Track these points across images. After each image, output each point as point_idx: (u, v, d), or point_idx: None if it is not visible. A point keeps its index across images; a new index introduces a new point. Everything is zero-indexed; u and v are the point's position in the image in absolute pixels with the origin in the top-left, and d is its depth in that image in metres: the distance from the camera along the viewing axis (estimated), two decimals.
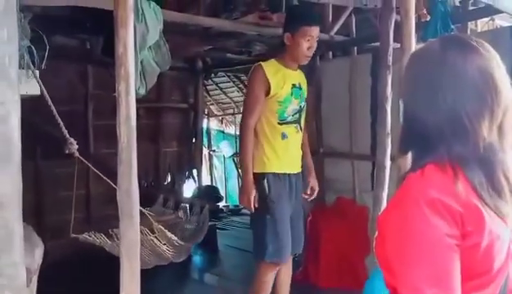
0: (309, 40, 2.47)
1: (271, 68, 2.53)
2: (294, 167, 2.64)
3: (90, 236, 2.79)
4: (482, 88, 0.90)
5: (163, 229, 2.93)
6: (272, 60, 2.59)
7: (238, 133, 2.59)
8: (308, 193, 2.75)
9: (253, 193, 2.47)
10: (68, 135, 1.89)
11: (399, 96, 1.05)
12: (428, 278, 0.85)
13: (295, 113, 2.59)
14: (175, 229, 3.73)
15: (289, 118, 2.57)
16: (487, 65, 0.91)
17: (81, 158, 1.98)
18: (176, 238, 3.07)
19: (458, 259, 0.87)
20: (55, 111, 1.73)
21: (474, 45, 0.93)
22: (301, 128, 2.66)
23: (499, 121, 0.91)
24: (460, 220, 0.86)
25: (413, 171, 0.93)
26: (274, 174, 2.54)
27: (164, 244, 2.98)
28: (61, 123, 1.79)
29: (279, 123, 2.55)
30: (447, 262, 0.86)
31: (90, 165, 2.11)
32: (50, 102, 1.62)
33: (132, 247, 1.25)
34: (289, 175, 2.59)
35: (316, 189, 2.77)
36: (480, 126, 0.89)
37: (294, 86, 2.57)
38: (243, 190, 2.50)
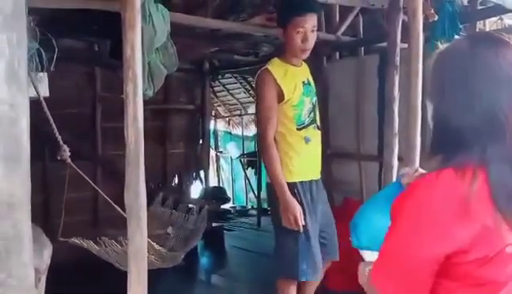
0: (301, 31, 2.23)
1: (279, 70, 2.32)
2: (317, 171, 2.49)
3: (78, 240, 2.82)
4: None
5: (150, 242, 2.94)
6: (276, 59, 2.39)
7: (258, 148, 2.45)
8: None
9: (298, 209, 2.24)
10: (61, 142, 1.90)
11: (428, 97, 1.02)
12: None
13: (310, 113, 2.41)
14: (167, 238, 3.74)
15: (307, 120, 2.39)
16: None
17: (72, 164, 2.00)
18: (165, 250, 3.09)
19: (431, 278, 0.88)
20: (49, 116, 1.74)
21: (504, 39, 0.91)
22: (318, 126, 2.46)
23: None
24: (464, 235, 0.84)
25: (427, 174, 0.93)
26: (301, 183, 2.36)
27: (152, 255, 2.99)
28: (55, 128, 1.79)
29: (298, 129, 2.36)
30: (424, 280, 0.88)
31: (80, 171, 2.14)
32: (45, 108, 1.63)
33: (140, 249, 1.26)
34: (314, 180, 2.43)
35: None
36: None
37: (303, 83, 2.39)
38: (285, 209, 2.23)
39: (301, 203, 2.28)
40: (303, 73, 2.41)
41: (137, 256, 1.26)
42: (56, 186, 4.54)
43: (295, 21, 2.21)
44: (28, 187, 1.03)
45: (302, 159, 2.34)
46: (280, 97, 2.28)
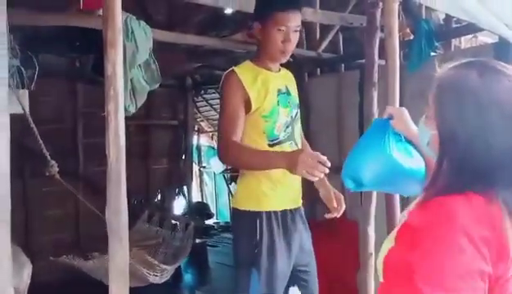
0: (283, 30, 1.84)
1: (247, 73, 1.90)
2: (296, 200, 2.01)
3: (68, 259, 2.77)
4: None
5: (142, 253, 2.93)
6: (247, 62, 1.98)
7: (220, 157, 1.89)
8: (335, 205, 1.99)
9: (306, 151, 1.78)
10: (49, 157, 1.88)
11: (429, 125, 1.01)
12: None
13: (287, 127, 1.95)
14: (157, 250, 3.72)
15: (282, 136, 1.93)
16: None
17: (61, 180, 1.96)
18: (156, 262, 3.05)
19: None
20: (36, 132, 1.73)
21: (510, 73, 0.93)
22: (297, 145, 1.99)
23: None
24: (497, 256, 0.87)
25: (448, 194, 0.91)
26: (270, 213, 1.90)
27: (144, 267, 2.96)
28: (42, 144, 1.78)
29: (270, 145, 1.90)
30: None
31: (71, 187, 2.09)
32: (32, 123, 1.62)
33: (122, 267, 1.25)
34: (290, 210, 1.96)
35: (341, 197, 2.02)
36: None
37: (279, 92, 1.94)
38: (294, 161, 1.60)
39: (260, 238, 1.86)
40: (281, 79, 2.00)
41: (119, 274, 1.25)
42: (37, 203, 4.49)
43: (277, 17, 1.83)
44: (7, 205, 1.03)
45: (273, 184, 1.90)
46: (248, 105, 1.87)
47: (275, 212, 1.90)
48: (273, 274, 1.87)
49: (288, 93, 1.98)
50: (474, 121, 0.91)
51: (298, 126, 2.03)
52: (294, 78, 2.11)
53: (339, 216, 1.99)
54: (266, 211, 1.89)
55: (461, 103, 0.92)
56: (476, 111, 0.90)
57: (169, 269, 3.26)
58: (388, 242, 1.04)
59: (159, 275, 3.16)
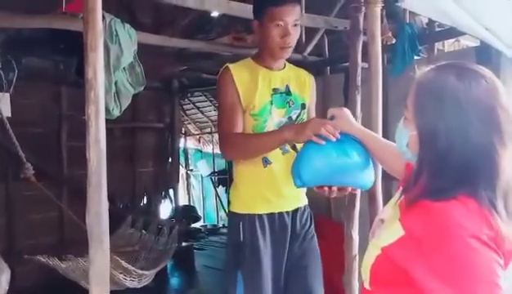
0: (281, 25, 1.79)
1: (242, 71, 1.87)
2: (288, 203, 1.93)
3: (44, 258, 2.74)
4: (502, 118, 0.92)
5: (118, 259, 2.90)
6: (247, 59, 1.96)
7: (222, 152, 1.90)
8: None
9: (313, 118, 1.78)
10: (25, 159, 1.87)
11: (407, 127, 1.03)
12: None
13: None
14: (138, 255, 3.69)
15: None
16: (501, 94, 0.94)
17: (37, 183, 1.95)
18: (133, 268, 3.03)
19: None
20: (12, 133, 1.71)
21: (486, 74, 0.95)
22: (294, 146, 1.89)
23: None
24: (502, 250, 0.89)
25: (437, 199, 0.92)
26: (254, 216, 1.87)
27: (121, 273, 2.94)
28: (18, 146, 1.76)
29: None
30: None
31: (46, 190, 2.07)
32: (8, 125, 1.60)
33: (102, 271, 1.24)
34: (279, 214, 1.90)
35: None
36: (505, 156, 0.92)
37: (275, 91, 1.89)
38: (303, 125, 1.62)
39: (243, 240, 1.84)
40: (282, 78, 1.93)
41: (99, 278, 1.24)
42: (20, 207, 4.43)
43: (273, 12, 1.78)
44: None
45: (257, 186, 1.87)
46: (240, 102, 1.85)
47: (259, 216, 1.87)
48: (258, 277, 1.84)
49: (287, 93, 1.92)
50: (453, 120, 0.93)
51: None
52: (307, 77, 2.03)
53: None
54: (249, 214, 1.87)
55: (440, 102, 0.94)
56: (455, 110, 0.92)
57: (148, 274, 3.25)
58: (374, 249, 1.02)
59: (137, 280, 3.14)
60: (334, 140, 1.49)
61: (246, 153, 1.87)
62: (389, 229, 1.01)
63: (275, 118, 1.88)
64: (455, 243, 0.87)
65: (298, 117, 1.95)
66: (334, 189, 1.56)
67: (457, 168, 0.93)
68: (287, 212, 1.92)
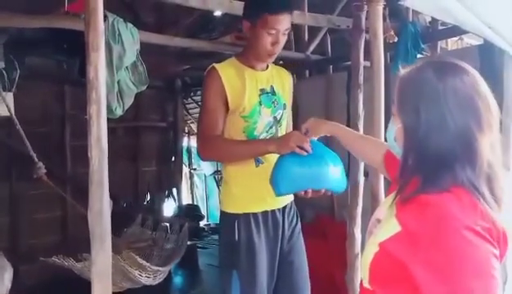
0: (273, 33, 1.80)
1: (229, 71, 1.86)
2: (280, 201, 1.93)
3: (59, 259, 2.75)
4: (481, 106, 0.95)
5: (133, 255, 2.91)
6: (232, 58, 1.95)
7: (200, 154, 1.90)
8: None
9: (293, 132, 1.79)
10: (36, 159, 1.87)
11: (396, 119, 1.06)
12: None
13: (270, 127, 1.93)
14: (151, 252, 3.70)
15: (263, 136, 1.92)
16: (480, 84, 0.98)
17: (49, 182, 1.96)
18: (148, 264, 3.03)
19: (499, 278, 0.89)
20: (23, 134, 1.72)
21: (464, 67, 0.99)
22: None
23: (493, 136, 0.96)
24: (496, 241, 0.90)
25: (433, 193, 0.93)
26: (249, 215, 1.88)
27: (136, 269, 2.95)
28: (29, 146, 1.77)
29: None
30: (495, 284, 0.88)
31: (58, 188, 2.08)
32: (18, 125, 1.61)
33: (104, 270, 1.24)
34: (272, 211, 1.92)
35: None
36: (483, 142, 0.94)
37: (262, 91, 1.90)
38: (285, 138, 1.70)
39: (239, 238, 1.85)
40: (267, 79, 1.94)
41: (101, 276, 1.25)
42: (24, 206, 4.45)
43: (268, 20, 1.78)
44: None
45: (249, 186, 1.88)
46: (227, 104, 1.85)
47: (254, 214, 1.89)
48: (254, 276, 1.85)
49: (273, 93, 1.93)
50: (432, 108, 0.96)
51: (283, 128, 1.98)
52: (286, 76, 2.05)
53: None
54: (244, 213, 1.88)
55: (419, 93, 0.98)
56: (433, 99, 0.96)
57: (162, 271, 3.25)
58: (372, 247, 1.03)
59: (152, 277, 3.14)
60: (310, 151, 1.65)
61: (224, 158, 1.95)
62: (386, 226, 1.02)
63: (264, 119, 1.89)
64: (450, 236, 0.88)
65: (281, 117, 1.96)
66: (309, 191, 1.69)
67: (439, 155, 0.95)
68: (278, 210, 1.95)
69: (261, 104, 1.88)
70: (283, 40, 1.85)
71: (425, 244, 0.90)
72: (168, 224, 4.18)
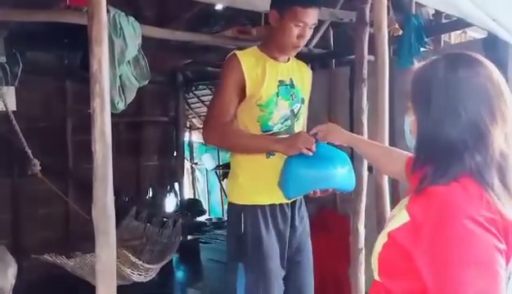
0: (301, 26, 1.80)
1: (250, 59, 1.86)
2: None
3: (51, 257, 2.75)
4: (494, 96, 0.96)
5: (127, 253, 2.90)
6: (254, 47, 1.95)
7: (206, 139, 1.90)
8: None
9: (301, 132, 1.81)
10: (31, 156, 1.86)
11: (406, 113, 1.09)
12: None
13: (286, 120, 1.90)
14: (143, 249, 3.70)
15: (277, 128, 1.89)
16: (494, 75, 0.98)
17: (44, 178, 1.95)
18: (140, 262, 3.03)
19: (504, 275, 0.88)
20: (18, 129, 1.71)
21: (479, 58, 1.00)
22: None
23: (507, 127, 0.97)
24: (503, 233, 0.90)
25: (442, 183, 0.94)
26: (257, 207, 1.85)
27: (129, 267, 2.95)
28: (24, 142, 1.76)
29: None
30: (498, 279, 0.87)
31: (53, 186, 2.07)
32: (14, 120, 1.60)
33: (108, 266, 1.24)
34: (280, 205, 1.90)
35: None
36: (495, 132, 0.94)
37: (281, 83, 1.89)
38: (293, 139, 1.75)
39: (245, 230, 1.83)
40: (287, 71, 1.93)
41: (105, 273, 1.24)
42: (26, 202, 4.45)
43: (298, 13, 1.78)
44: None
45: (258, 177, 1.86)
46: (244, 91, 1.83)
47: (261, 206, 1.86)
48: (261, 269, 1.83)
49: (292, 85, 1.93)
50: (444, 97, 0.97)
51: (300, 122, 1.98)
52: (306, 71, 2.06)
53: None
54: (251, 205, 1.86)
55: (432, 83, 0.99)
56: (445, 88, 0.97)
57: (154, 268, 3.26)
58: (382, 238, 1.04)
59: (144, 274, 3.15)
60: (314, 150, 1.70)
61: (230, 147, 1.95)
62: (397, 217, 1.03)
63: (281, 110, 1.88)
64: (451, 224, 0.88)
65: (298, 111, 1.96)
66: (318, 191, 1.75)
67: (450, 146, 0.96)
68: (287, 204, 1.92)
69: (278, 96, 1.88)
70: (309, 34, 1.86)
71: (427, 232, 0.91)
72: (163, 219, 4.17)
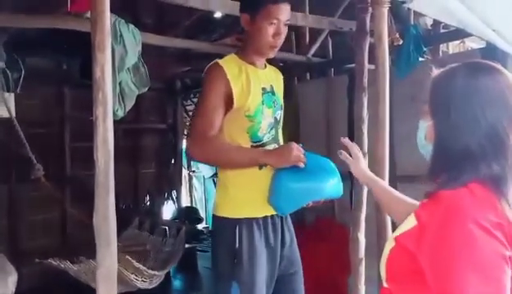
0: (275, 23, 1.74)
1: (233, 67, 1.76)
2: None
3: (55, 261, 2.73)
4: None
5: (130, 259, 2.88)
6: (232, 54, 1.84)
7: (192, 154, 1.78)
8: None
9: (292, 144, 1.71)
10: (35, 161, 1.86)
11: (422, 119, 1.08)
12: None
13: (271, 129, 1.83)
14: (147, 256, 3.68)
15: (266, 138, 1.81)
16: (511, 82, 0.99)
17: (46, 183, 1.94)
18: (144, 268, 2.99)
19: (508, 281, 0.88)
20: (22, 135, 1.70)
21: (498, 67, 1.01)
22: None
23: None
24: (510, 239, 0.89)
25: (450, 188, 0.94)
26: (252, 220, 1.76)
27: (132, 273, 2.92)
28: (28, 148, 1.75)
29: (252, 146, 1.78)
30: (500, 285, 0.87)
31: (55, 191, 2.06)
32: (17, 126, 1.59)
33: (109, 274, 1.23)
34: (271, 217, 1.81)
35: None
36: None
37: (264, 90, 1.81)
38: (286, 152, 1.68)
39: (240, 247, 1.72)
40: (266, 77, 1.86)
41: (107, 280, 1.23)
42: (24, 208, 4.42)
43: (270, 10, 1.72)
44: None
45: (253, 188, 1.76)
46: (230, 101, 1.73)
47: (256, 219, 1.76)
48: (255, 286, 1.73)
49: (272, 92, 1.85)
50: (463, 103, 0.97)
51: (280, 130, 1.91)
52: (281, 77, 1.98)
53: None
54: (246, 218, 1.75)
55: (450, 90, 1.00)
56: (464, 94, 0.98)
57: (159, 275, 3.23)
58: (390, 243, 1.05)
59: (148, 281, 3.12)
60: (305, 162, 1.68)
61: (217, 162, 1.85)
62: (405, 222, 1.03)
63: (266, 119, 1.80)
64: (455, 228, 0.88)
65: (280, 118, 1.89)
66: (310, 202, 1.73)
67: (468, 153, 0.96)
68: (277, 215, 1.83)
69: (263, 104, 1.79)
70: (284, 31, 1.79)
71: (430, 234, 0.92)
72: (165, 228, 4.16)
